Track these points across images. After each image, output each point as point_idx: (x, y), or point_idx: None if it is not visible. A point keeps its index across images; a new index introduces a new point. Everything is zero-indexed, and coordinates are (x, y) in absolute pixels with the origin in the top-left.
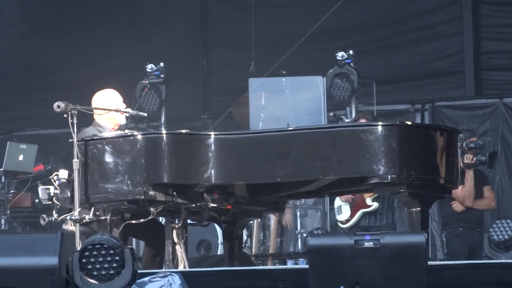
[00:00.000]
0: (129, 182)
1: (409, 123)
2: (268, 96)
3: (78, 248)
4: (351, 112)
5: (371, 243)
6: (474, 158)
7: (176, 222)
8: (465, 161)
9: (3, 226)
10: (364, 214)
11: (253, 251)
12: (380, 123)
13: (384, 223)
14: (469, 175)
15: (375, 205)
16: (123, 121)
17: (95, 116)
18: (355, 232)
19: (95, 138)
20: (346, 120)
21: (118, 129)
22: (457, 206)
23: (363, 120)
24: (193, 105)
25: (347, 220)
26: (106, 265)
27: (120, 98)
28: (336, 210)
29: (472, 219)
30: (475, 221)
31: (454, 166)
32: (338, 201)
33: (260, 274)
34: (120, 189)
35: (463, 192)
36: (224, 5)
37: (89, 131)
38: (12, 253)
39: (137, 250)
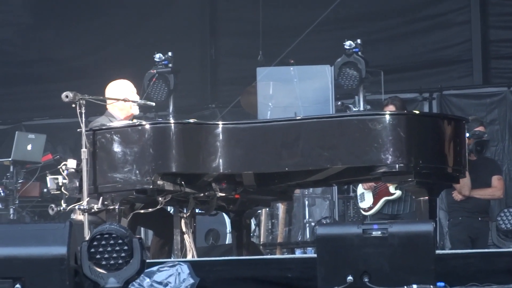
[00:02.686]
0: (137, 171)
1: (417, 112)
2: (276, 85)
3: (87, 238)
4: (359, 101)
5: (379, 232)
6: None
7: (185, 211)
8: None
9: (11, 215)
10: (387, 202)
11: (262, 240)
12: (388, 112)
13: (408, 211)
14: None
15: (398, 193)
16: (136, 111)
17: (107, 106)
18: (378, 220)
19: (103, 127)
20: (354, 109)
21: (132, 119)
22: (456, 195)
23: (391, 106)
24: (201, 95)
25: (370, 208)
26: (114, 255)
27: (134, 89)
28: (358, 197)
29: (472, 208)
30: (476, 210)
31: (462, 155)
32: (360, 189)
33: (268, 263)
34: (129, 178)
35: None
36: None
37: (101, 121)
38: (20, 243)
39: (146, 239)
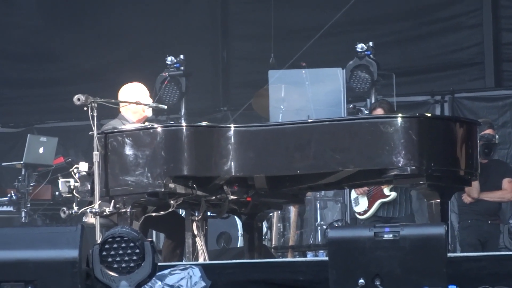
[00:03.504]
0: (149, 174)
1: (429, 115)
2: (288, 88)
3: (98, 241)
4: (371, 104)
5: (391, 235)
6: None
7: (196, 214)
8: None
9: (23, 218)
10: (382, 204)
11: (273, 243)
12: (399, 115)
13: (403, 214)
14: None
15: (393, 194)
16: (149, 113)
17: (120, 109)
18: (373, 223)
19: (115, 130)
20: (366, 112)
21: (144, 122)
22: (465, 198)
23: (379, 109)
24: (213, 97)
25: (365, 211)
26: (126, 258)
27: (147, 92)
28: (353, 201)
29: (481, 211)
30: (485, 212)
31: (474, 158)
32: (354, 193)
33: (280, 266)
34: (140, 181)
35: None
36: None
37: (113, 124)
38: (32, 246)
39: (157, 242)
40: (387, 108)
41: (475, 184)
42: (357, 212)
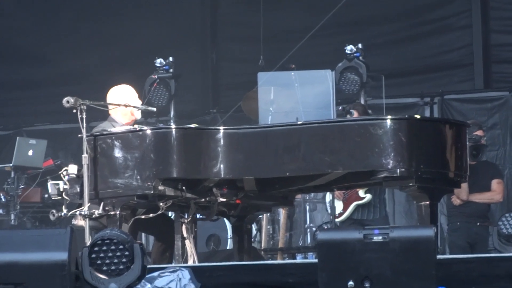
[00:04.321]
0: (138, 177)
1: (418, 116)
2: (277, 90)
3: (88, 243)
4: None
5: (380, 237)
6: None
7: (186, 216)
8: None
9: (12, 221)
10: (357, 207)
11: (263, 245)
12: (389, 116)
13: (378, 216)
14: None
15: (368, 196)
16: (139, 116)
17: (110, 111)
18: (348, 226)
19: (104, 133)
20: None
21: (133, 124)
22: (454, 200)
23: (353, 111)
24: (202, 100)
25: (340, 214)
26: (115, 260)
27: (136, 95)
28: (327, 204)
29: (471, 212)
30: (474, 215)
31: (463, 160)
32: (329, 196)
33: (269, 269)
34: (130, 184)
35: None
36: None
37: (103, 126)
38: (21, 249)
39: (147, 245)
40: (361, 110)
41: (464, 186)
42: (332, 215)
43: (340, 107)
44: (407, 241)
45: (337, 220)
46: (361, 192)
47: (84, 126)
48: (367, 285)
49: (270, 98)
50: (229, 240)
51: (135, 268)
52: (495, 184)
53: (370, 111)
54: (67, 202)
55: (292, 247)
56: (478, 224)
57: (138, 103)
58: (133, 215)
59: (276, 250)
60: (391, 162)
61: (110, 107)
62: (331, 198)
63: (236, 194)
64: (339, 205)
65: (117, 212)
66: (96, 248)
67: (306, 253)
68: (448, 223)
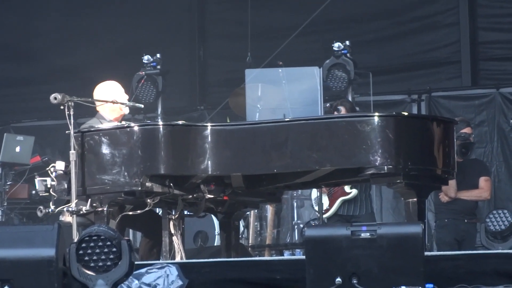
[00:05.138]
0: (125, 173)
1: (406, 113)
2: (264, 87)
3: (75, 240)
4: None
5: (368, 234)
6: None
7: (173, 213)
8: None
9: (0, 217)
10: (343, 202)
11: (250, 242)
12: (376, 114)
13: (364, 212)
14: None
15: (353, 192)
16: (127, 111)
17: (98, 108)
18: (334, 221)
19: (92, 129)
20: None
21: (121, 120)
22: (442, 197)
23: (341, 108)
24: (189, 96)
25: (326, 210)
26: (103, 257)
27: (122, 90)
28: (313, 201)
29: (458, 209)
30: (462, 211)
31: (451, 157)
32: (315, 192)
33: (257, 265)
34: (117, 180)
35: None
36: None
37: (91, 123)
38: (9, 245)
39: (134, 241)
40: (349, 106)
41: (452, 183)
42: (317, 211)
43: (328, 104)
44: (395, 238)
45: (323, 216)
46: (346, 188)
47: (72, 122)
48: (354, 281)
49: (257, 95)
50: (216, 236)
51: (123, 264)
52: (483, 181)
53: (357, 108)
54: (55, 198)
55: (279, 243)
56: (466, 221)
57: (125, 98)
58: (120, 212)
59: (263, 247)
60: (379, 159)
61: (97, 103)
62: (318, 195)
63: (224, 191)
64: (325, 201)
65: (105, 209)
66: (83, 245)
67: (294, 249)
68: (436, 219)
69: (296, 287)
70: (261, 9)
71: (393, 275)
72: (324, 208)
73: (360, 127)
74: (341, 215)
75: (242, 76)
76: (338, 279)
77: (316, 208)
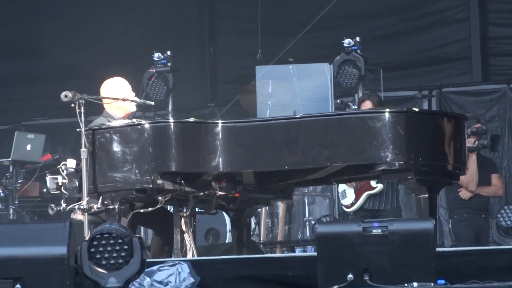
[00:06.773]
0: (137, 171)
1: (416, 109)
2: (275, 83)
3: (87, 238)
4: (359, 97)
5: (379, 230)
6: (476, 142)
7: (184, 210)
8: (467, 144)
9: (11, 216)
10: (369, 197)
11: (262, 238)
12: (387, 110)
13: (389, 207)
14: (472, 159)
15: (379, 186)
16: (133, 108)
17: (105, 106)
18: (360, 216)
19: (103, 127)
20: (353, 107)
21: (128, 117)
22: (463, 194)
23: (368, 102)
24: (200, 93)
25: (352, 204)
26: (114, 254)
27: (129, 87)
28: (340, 194)
29: (476, 205)
30: (479, 207)
31: (462, 152)
32: (342, 186)
33: (268, 262)
34: (128, 178)
35: (466, 176)
36: None
37: (99, 121)
38: (20, 243)
39: (146, 239)
40: (376, 100)
41: (473, 176)
42: (344, 205)
43: (339, 100)
44: (406, 234)
45: (349, 210)
46: (373, 182)
47: (83, 120)
48: (366, 278)
49: (268, 91)
50: (228, 233)
51: (134, 262)
52: (496, 178)
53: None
54: (66, 196)
55: (291, 240)
56: (483, 216)
57: (132, 94)
58: (132, 209)
59: (275, 244)
60: (390, 155)
61: (104, 101)
62: (342, 190)
63: (235, 188)
64: (350, 195)
65: (116, 206)
66: (95, 242)
67: (305, 246)
68: (454, 214)
69: (308, 283)
70: (271, 5)
71: (405, 271)
72: (350, 202)
73: (371, 123)
74: (367, 210)
75: (253, 73)
76: (350, 276)
77: (342, 201)
